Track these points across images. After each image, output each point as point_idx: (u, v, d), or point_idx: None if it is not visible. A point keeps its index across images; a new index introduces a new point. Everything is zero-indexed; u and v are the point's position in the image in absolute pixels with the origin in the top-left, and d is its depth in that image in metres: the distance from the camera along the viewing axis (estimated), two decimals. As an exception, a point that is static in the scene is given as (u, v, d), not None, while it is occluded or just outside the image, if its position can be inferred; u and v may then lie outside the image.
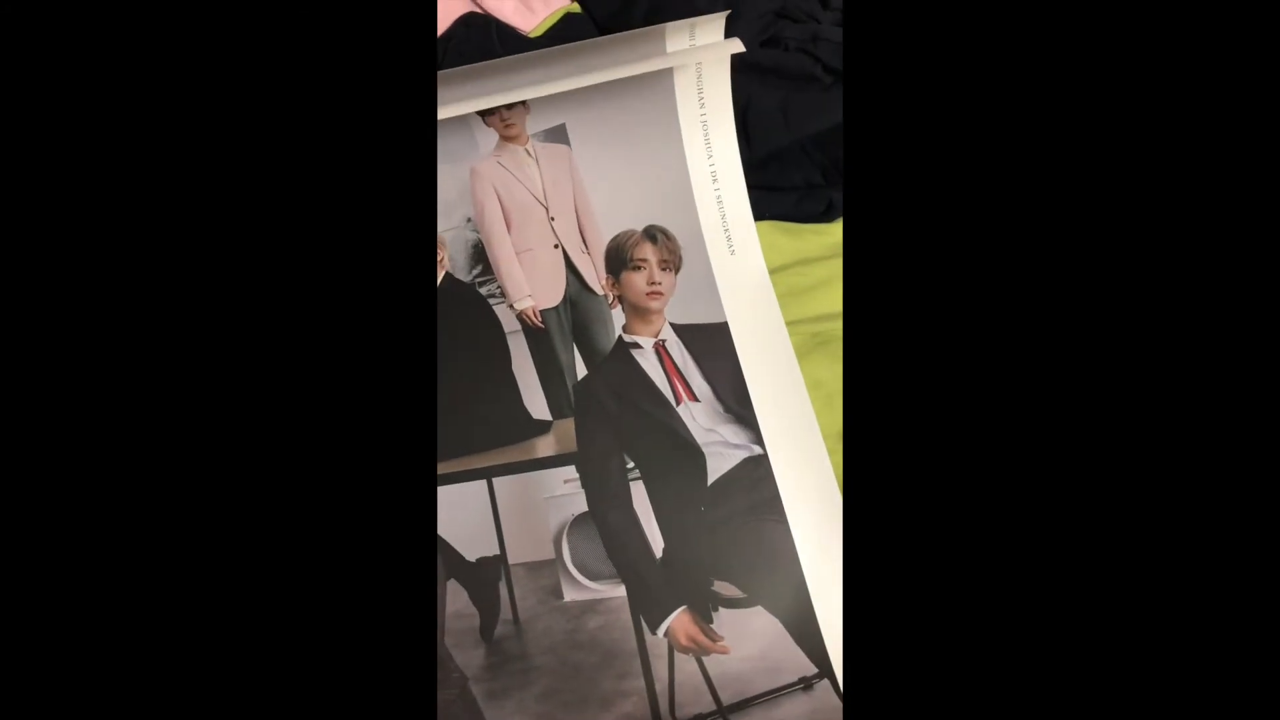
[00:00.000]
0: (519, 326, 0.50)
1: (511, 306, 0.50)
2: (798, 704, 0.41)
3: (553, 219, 0.51)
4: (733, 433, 0.46)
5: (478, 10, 0.59)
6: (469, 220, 0.51)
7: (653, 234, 0.49)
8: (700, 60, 0.48)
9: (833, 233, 0.51)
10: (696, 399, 0.47)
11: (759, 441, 0.45)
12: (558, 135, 0.51)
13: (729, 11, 0.51)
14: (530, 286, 0.50)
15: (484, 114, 0.50)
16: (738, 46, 0.47)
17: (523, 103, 0.49)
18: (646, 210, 0.50)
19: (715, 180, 0.50)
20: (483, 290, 0.51)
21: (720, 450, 0.46)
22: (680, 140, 0.49)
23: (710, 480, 0.45)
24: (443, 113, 0.48)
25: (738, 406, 0.46)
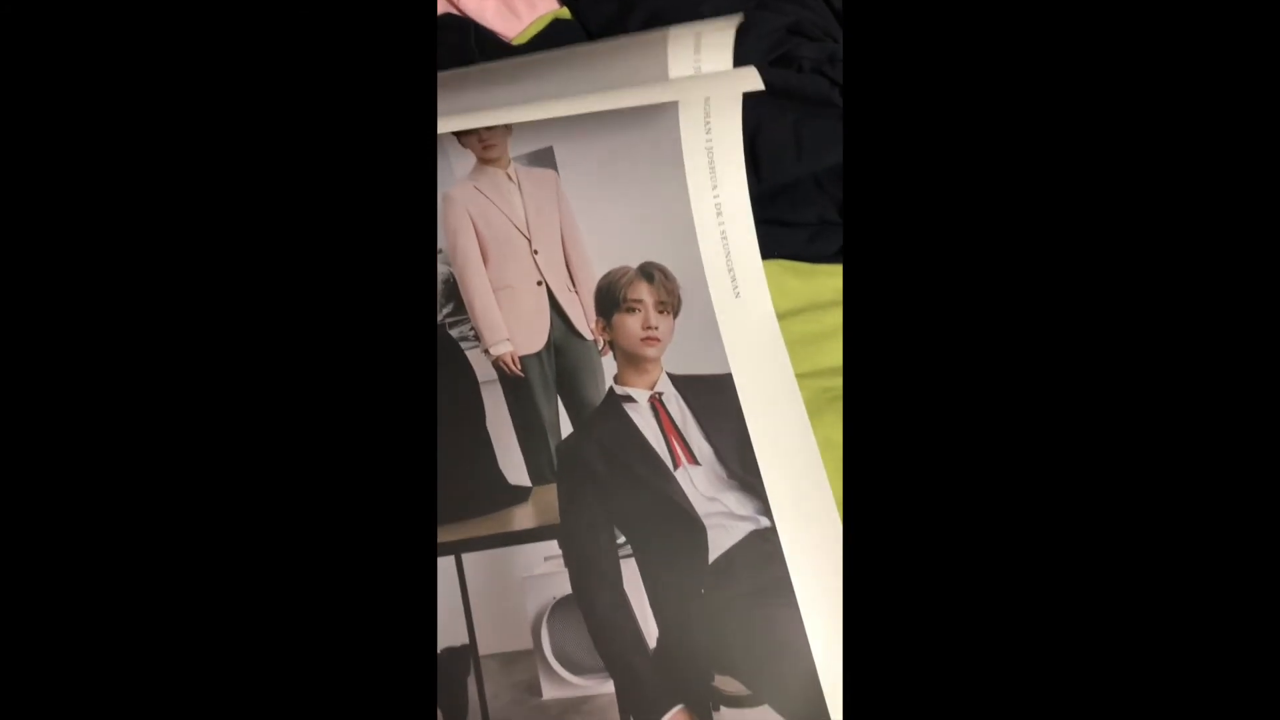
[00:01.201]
0: (495, 375, 0.44)
1: (487, 352, 0.44)
2: (810, 822, 0.35)
3: (536, 252, 0.44)
4: (737, 501, 0.40)
5: (455, 12, 0.52)
6: (440, 252, 0.45)
7: (649, 272, 0.43)
8: (709, 95, 0.41)
9: (847, 274, 0.45)
10: (697, 462, 0.41)
11: (766, 512, 0.39)
12: (543, 159, 0.44)
13: (740, 17, 0.45)
14: (509, 329, 0.44)
15: (460, 133, 0.43)
16: (754, 81, 0.41)
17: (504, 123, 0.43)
18: (642, 245, 0.44)
19: (720, 214, 0.44)
20: (454, 333, 0.44)
21: (723, 522, 0.40)
22: (682, 169, 0.43)
23: (712, 557, 0.39)
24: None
25: (742, 471, 0.40)
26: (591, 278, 0.44)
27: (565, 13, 0.53)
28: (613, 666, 0.38)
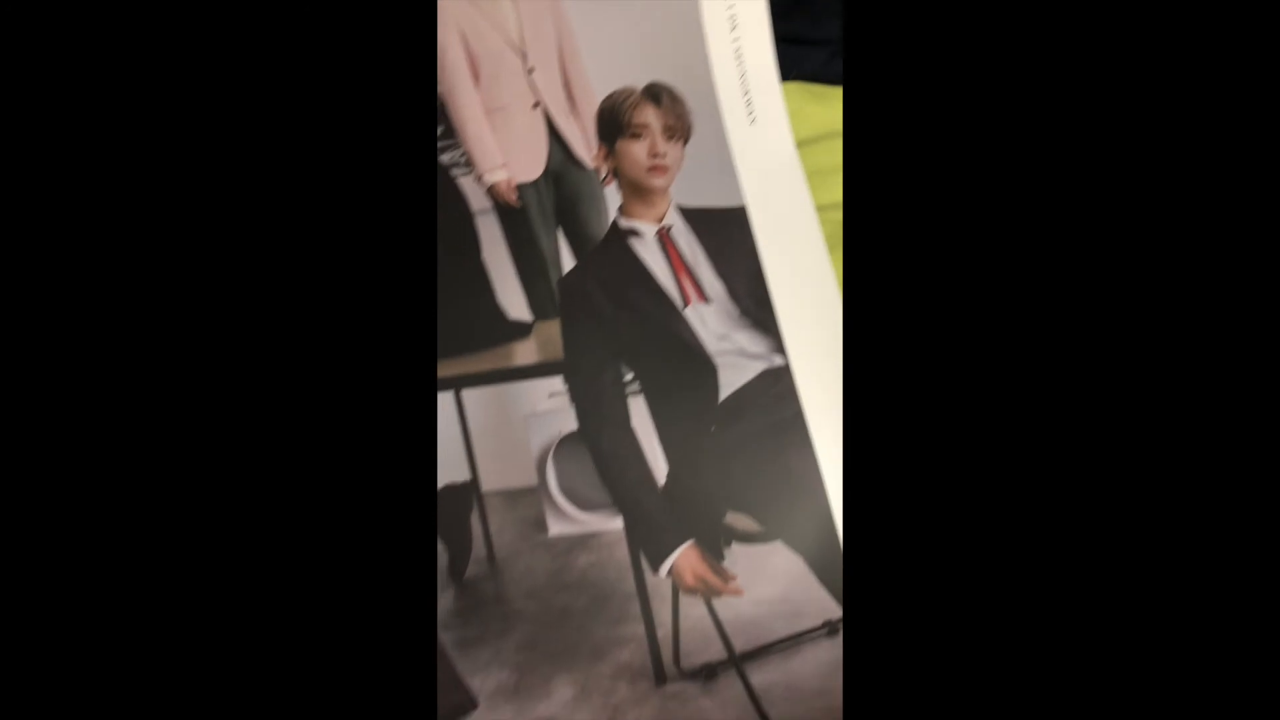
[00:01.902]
0: (489, 205, 0.40)
1: (480, 179, 0.40)
2: (821, 651, 0.34)
3: (532, 70, 0.40)
4: (749, 339, 0.37)
5: None
6: None
7: (656, 94, 0.39)
8: None
9: (872, 101, 0.41)
10: (707, 299, 0.38)
11: (780, 350, 0.37)
12: None
13: None
14: (504, 155, 0.40)
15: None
16: None
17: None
18: (649, 63, 0.39)
19: (734, 28, 0.39)
20: (444, 158, 0.40)
21: (735, 361, 0.37)
22: (696, -27, 0.38)
23: (723, 396, 0.37)
24: None
25: (756, 308, 0.37)
26: (593, 100, 0.39)
27: None
28: (621, 503, 0.36)
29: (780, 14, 0.40)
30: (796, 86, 0.41)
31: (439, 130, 0.40)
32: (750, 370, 0.38)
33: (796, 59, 0.40)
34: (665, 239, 0.39)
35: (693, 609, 0.36)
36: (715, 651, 0.35)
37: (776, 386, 0.37)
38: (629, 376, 0.38)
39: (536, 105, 0.40)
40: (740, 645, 0.35)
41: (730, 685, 0.34)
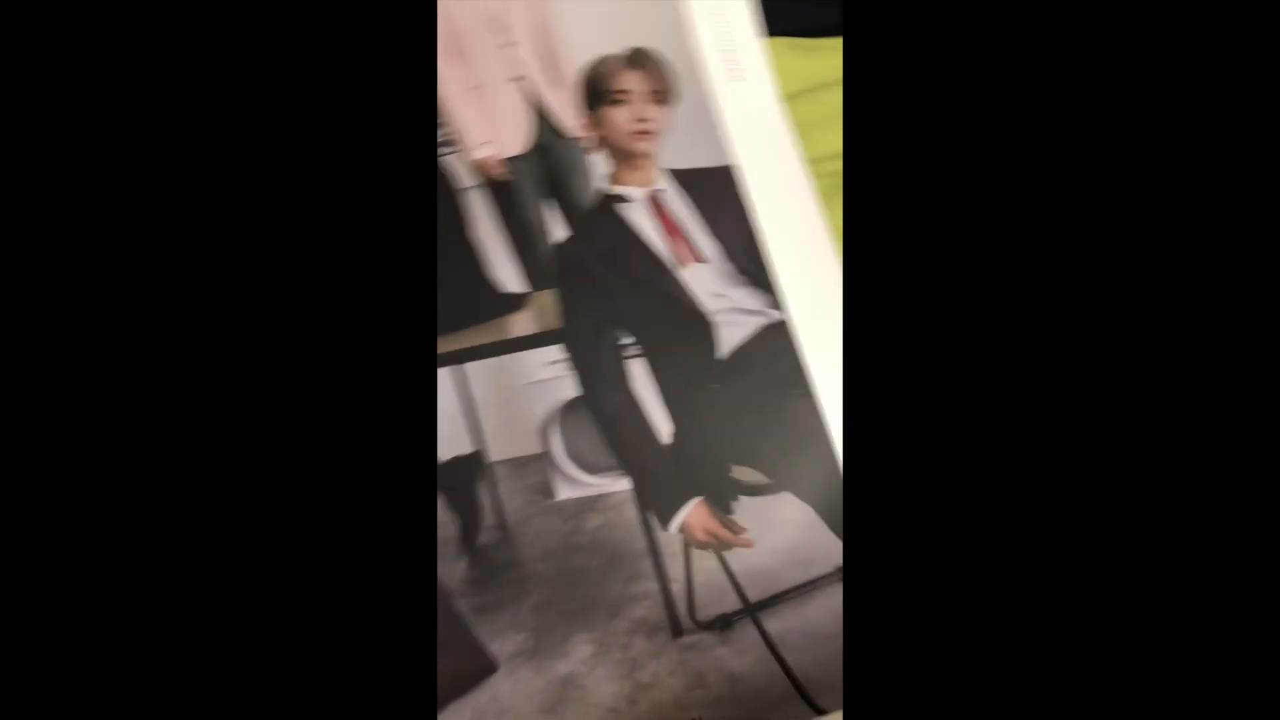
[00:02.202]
0: (477, 181, 0.40)
1: (467, 156, 0.39)
2: (833, 596, 0.35)
3: (513, 44, 0.40)
4: (746, 296, 0.37)
5: None
6: None
7: (638, 59, 0.38)
8: None
9: (853, 52, 0.41)
10: (702, 259, 0.38)
11: (777, 305, 0.37)
12: None
13: None
14: (488, 130, 0.39)
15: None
16: None
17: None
18: (630, 28, 0.39)
19: (712, -13, 0.39)
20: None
21: (733, 318, 0.37)
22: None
23: (722, 353, 0.37)
24: None
25: (751, 266, 0.37)
26: (574, 68, 0.39)
27: None
28: (627, 464, 0.36)
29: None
30: (781, 41, 0.40)
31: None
32: (748, 326, 0.38)
33: (779, 13, 0.40)
34: (655, 203, 0.39)
35: (705, 562, 0.36)
36: (730, 602, 0.35)
37: (775, 341, 0.37)
38: (628, 340, 0.38)
39: (519, 79, 0.40)
40: (753, 595, 0.35)
41: (746, 634, 0.35)
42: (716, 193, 0.39)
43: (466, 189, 0.39)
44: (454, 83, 0.40)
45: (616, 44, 0.39)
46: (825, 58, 0.41)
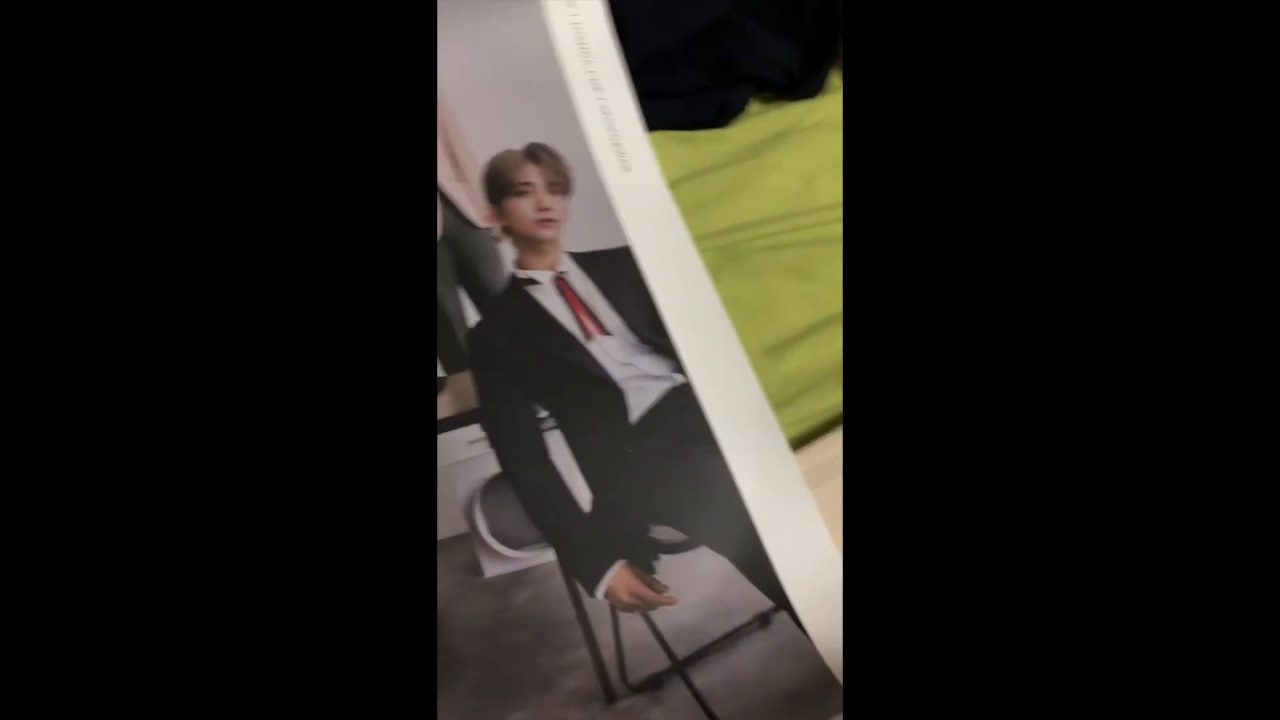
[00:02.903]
0: None
1: None
2: (756, 643, 0.35)
3: None
4: (651, 363, 0.39)
5: None
6: None
7: (535, 153, 0.41)
8: None
9: (730, 139, 0.44)
10: (607, 332, 0.40)
11: (680, 369, 0.38)
12: None
13: None
14: None
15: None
16: None
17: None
18: (525, 127, 0.41)
19: (598, 88, 0.42)
20: None
21: (640, 384, 0.39)
22: (554, 47, 0.41)
23: (633, 417, 0.39)
24: None
25: (653, 335, 0.39)
26: (477, 165, 0.41)
27: None
28: (550, 534, 0.37)
29: (637, 71, 0.44)
30: (661, 135, 0.44)
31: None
32: (656, 391, 0.40)
33: (657, 110, 0.44)
34: (561, 284, 0.41)
35: (633, 625, 0.36)
36: (659, 662, 0.35)
37: (681, 401, 0.39)
38: (543, 414, 0.39)
39: None
40: (681, 652, 0.36)
41: (677, 692, 0.35)
42: (616, 271, 0.41)
43: (379, 282, 0.40)
44: None
45: (514, 141, 0.41)
46: (702, 147, 0.44)
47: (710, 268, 0.41)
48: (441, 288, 0.42)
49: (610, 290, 0.41)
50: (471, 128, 0.43)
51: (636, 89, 0.42)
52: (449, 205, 0.43)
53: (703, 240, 0.42)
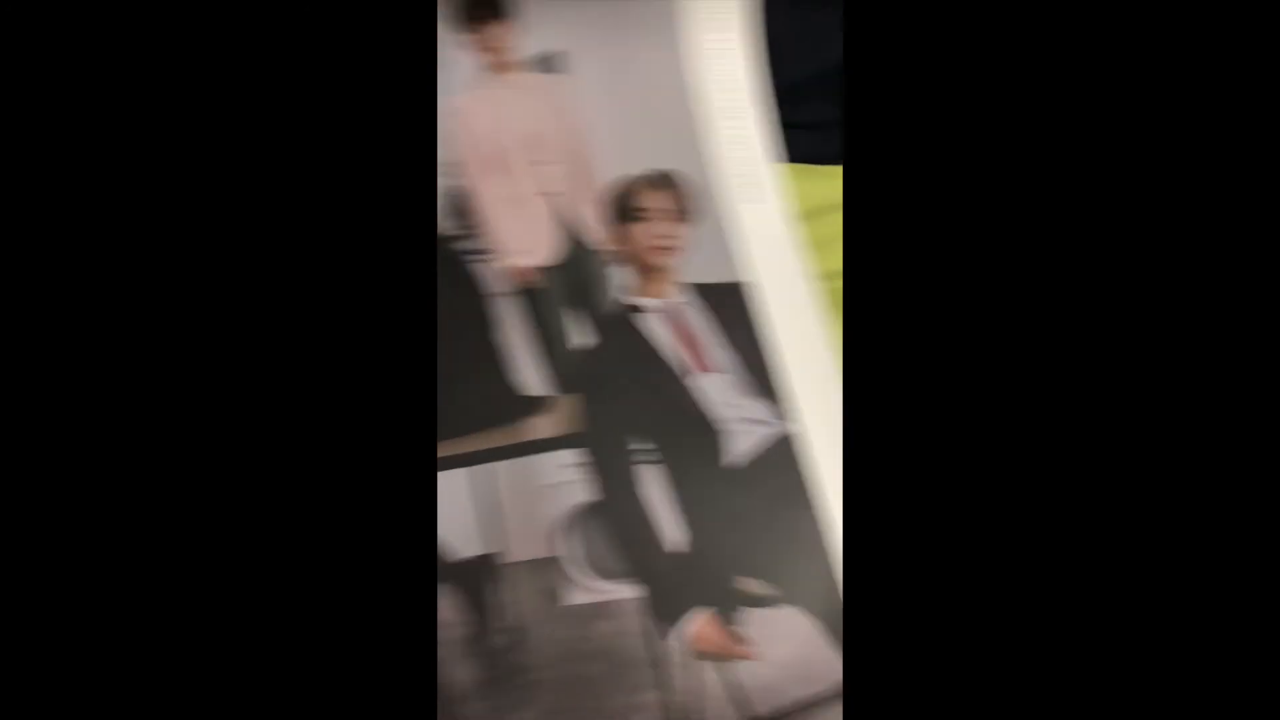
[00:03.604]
0: (506, 288, 0.40)
1: (499, 264, 0.40)
2: (833, 714, 0.33)
3: (544, 163, 0.41)
4: (756, 407, 0.37)
5: None
6: (444, 165, 0.41)
7: (659, 180, 0.40)
8: None
9: (862, 178, 0.42)
10: (714, 369, 0.38)
11: (786, 417, 0.37)
12: (555, 64, 0.41)
13: None
14: (520, 241, 0.40)
15: (466, 26, 0.39)
16: None
17: (507, 15, 0.39)
18: (652, 152, 0.40)
19: (731, 117, 0.40)
20: (459, 247, 0.40)
21: (743, 427, 0.37)
22: (688, 72, 0.39)
23: (733, 461, 0.37)
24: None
25: (761, 377, 0.37)
26: (601, 188, 0.41)
27: None
28: (636, 571, 0.36)
29: (772, 102, 0.41)
30: (792, 167, 0.42)
31: (455, 222, 0.41)
32: (758, 437, 0.38)
33: (787, 142, 0.41)
34: (672, 314, 0.40)
35: (708, 674, 0.35)
36: (729, 717, 0.34)
37: (783, 452, 0.37)
38: (642, 446, 0.38)
39: (548, 195, 0.41)
40: (755, 709, 0.34)
41: None
42: (730, 306, 0.39)
43: (497, 295, 0.40)
44: (493, 195, 0.41)
45: (642, 166, 0.41)
46: (828, 182, 0.42)
47: (826, 310, 0.39)
48: (552, 307, 0.42)
49: (722, 325, 0.39)
50: (600, 150, 0.42)
51: (769, 118, 0.41)
52: (569, 224, 0.43)
53: (820, 281, 0.40)
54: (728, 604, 0.36)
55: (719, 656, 0.35)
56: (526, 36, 0.41)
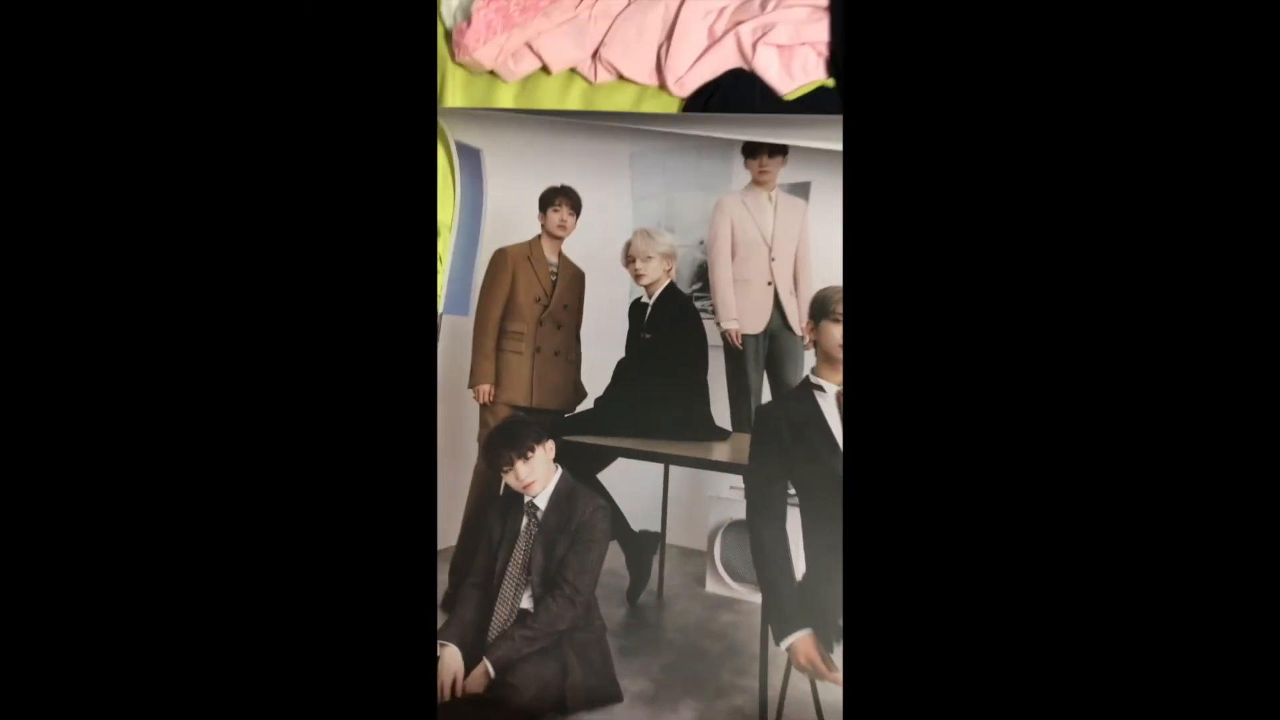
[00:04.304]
0: (720, 343, 0.50)
1: (719, 324, 0.50)
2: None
3: (773, 259, 0.51)
4: (891, 491, 0.45)
5: (745, 68, 0.60)
6: (701, 242, 0.51)
7: (860, 295, 0.49)
8: None
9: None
10: (865, 451, 0.46)
11: (913, 506, 0.43)
12: (801, 191, 0.50)
13: None
14: (739, 311, 0.50)
15: (747, 155, 0.51)
16: None
17: (783, 155, 0.50)
18: (860, 273, 0.50)
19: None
20: (697, 304, 0.51)
21: (876, 503, 0.45)
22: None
23: (860, 527, 0.44)
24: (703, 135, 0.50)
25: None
26: (811, 288, 0.48)
27: (830, 82, 0.60)
28: (764, 584, 0.42)
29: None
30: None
31: (699, 285, 0.52)
32: None
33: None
34: (841, 400, 0.48)
35: (799, 683, 0.40)
36: None
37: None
38: (792, 492, 0.45)
39: (770, 283, 0.50)
40: None
41: None
42: (890, 407, 0.47)
43: (712, 346, 0.51)
44: (726, 273, 0.52)
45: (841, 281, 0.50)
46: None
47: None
48: (751, 366, 0.52)
49: None
50: (817, 260, 0.52)
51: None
52: (779, 309, 0.52)
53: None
54: (829, 634, 0.40)
55: (811, 672, 0.40)
56: (787, 168, 0.52)
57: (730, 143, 0.50)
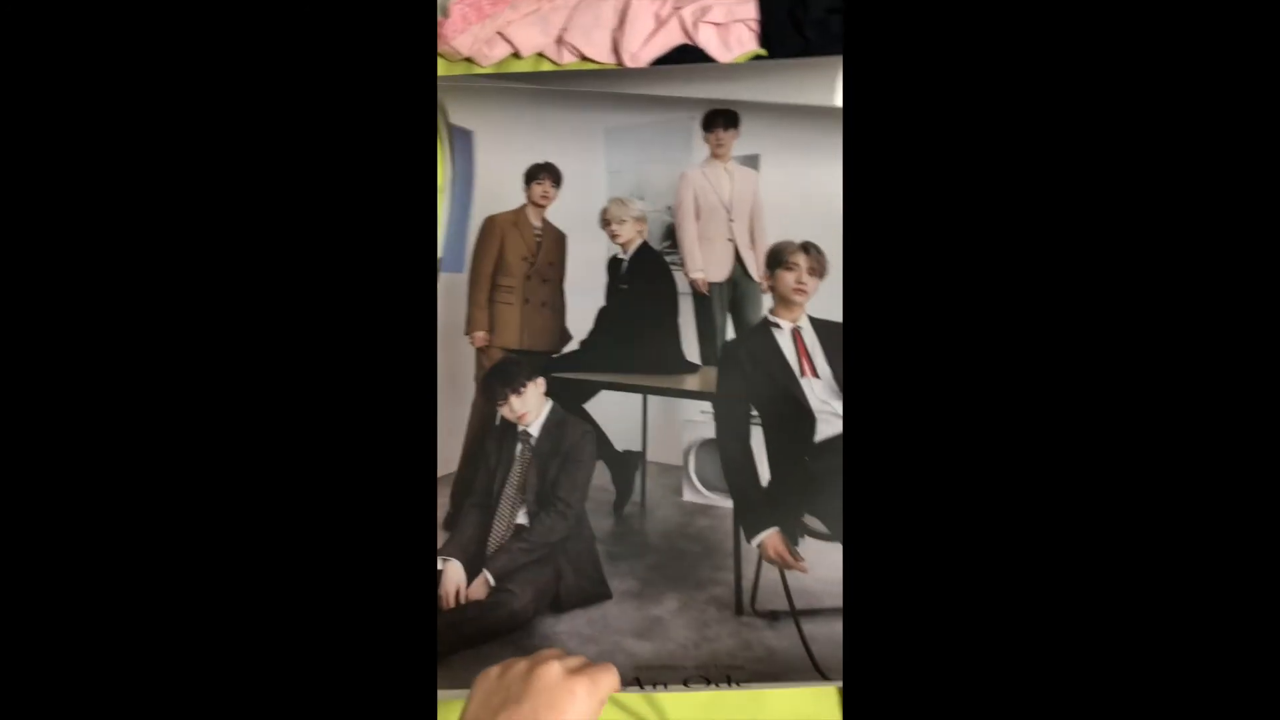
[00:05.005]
0: (689, 290, 0.53)
1: (687, 274, 0.53)
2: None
3: (732, 220, 0.55)
4: (842, 407, 0.48)
5: (690, 43, 0.67)
6: (669, 208, 0.55)
7: (808, 247, 0.52)
8: None
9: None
10: (818, 376, 0.50)
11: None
12: (751, 162, 0.54)
13: None
14: (704, 263, 0.54)
15: (705, 129, 0.58)
16: None
17: (735, 127, 0.57)
18: (806, 229, 0.52)
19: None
20: (668, 259, 0.54)
21: (829, 418, 0.46)
22: (840, 179, 0.55)
23: (816, 439, 0.45)
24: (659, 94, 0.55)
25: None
26: (766, 243, 0.51)
27: (763, 52, 0.67)
28: (734, 491, 0.44)
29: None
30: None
31: (668, 243, 0.58)
32: (838, 426, 0.46)
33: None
34: (796, 334, 0.53)
35: (769, 573, 0.42)
36: (780, 604, 0.41)
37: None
38: (755, 413, 0.47)
39: (730, 240, 0.54)
40: (798, 605, 0.41)
41: (787, 628, 0.40)
42: (835, 337, 0.53)
43: (681, 293, 0.56)
44: (692, 232, 0.57)
45: (796, 236, 0.56)
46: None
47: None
48: (717, 310, 0.57)
49: (828, 349, 0.52)
50: (770, 220, 0.58)
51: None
52: (739, 261, 0.58)
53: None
54: (794, 530, 0.43)
55: (780, 564, 0.43)
56: (740, 140, 0.58)
57: (691, 119, 0.56)
